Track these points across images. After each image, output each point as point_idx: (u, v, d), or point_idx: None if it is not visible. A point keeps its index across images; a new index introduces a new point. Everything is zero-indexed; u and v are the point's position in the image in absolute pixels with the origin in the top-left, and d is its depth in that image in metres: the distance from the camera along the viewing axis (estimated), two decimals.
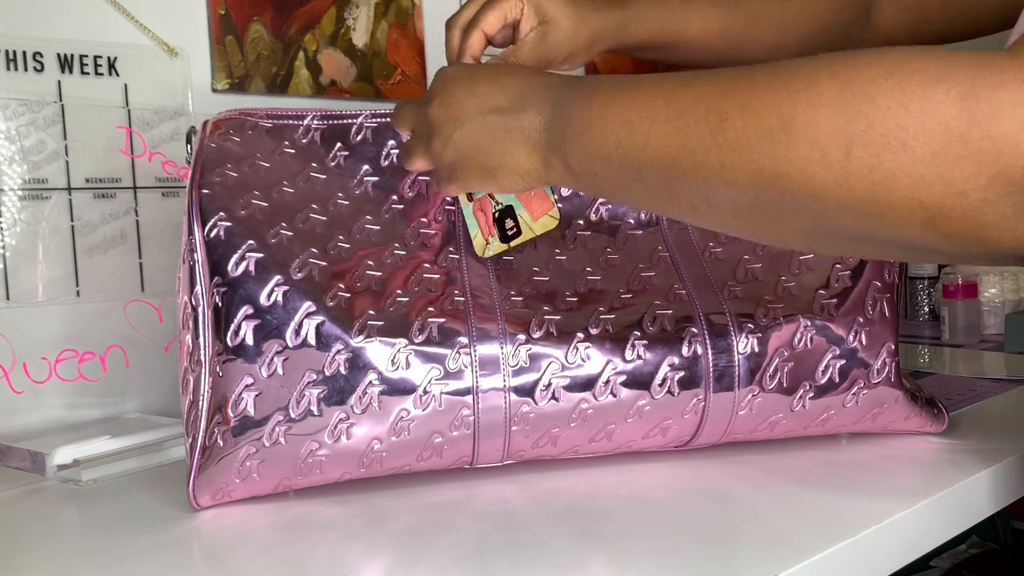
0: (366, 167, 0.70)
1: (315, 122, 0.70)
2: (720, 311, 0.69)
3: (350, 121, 0.71)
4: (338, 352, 0.62)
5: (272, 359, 0.61)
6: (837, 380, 0.70)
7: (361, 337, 0.62)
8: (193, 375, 0.63)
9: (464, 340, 0.64)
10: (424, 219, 0.69)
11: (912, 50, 0.41)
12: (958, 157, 0.39)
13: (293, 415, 0.61)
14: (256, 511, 0.63)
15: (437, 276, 0.67)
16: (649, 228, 0.74)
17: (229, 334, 0.61)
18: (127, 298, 0.93)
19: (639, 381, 0.67)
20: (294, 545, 0.57)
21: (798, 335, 0.69)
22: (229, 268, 0.62)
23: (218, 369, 0.61)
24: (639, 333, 0.67)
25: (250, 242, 0.63)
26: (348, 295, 0.63)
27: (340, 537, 0.58)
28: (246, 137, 0.68)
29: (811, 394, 0.70)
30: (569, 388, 0.65)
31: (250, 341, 0.61)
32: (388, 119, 0.72)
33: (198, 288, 0.62)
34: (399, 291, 0.65)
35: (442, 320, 0.64)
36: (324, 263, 0.64)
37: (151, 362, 0.95)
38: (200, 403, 0.62)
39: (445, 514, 0.62)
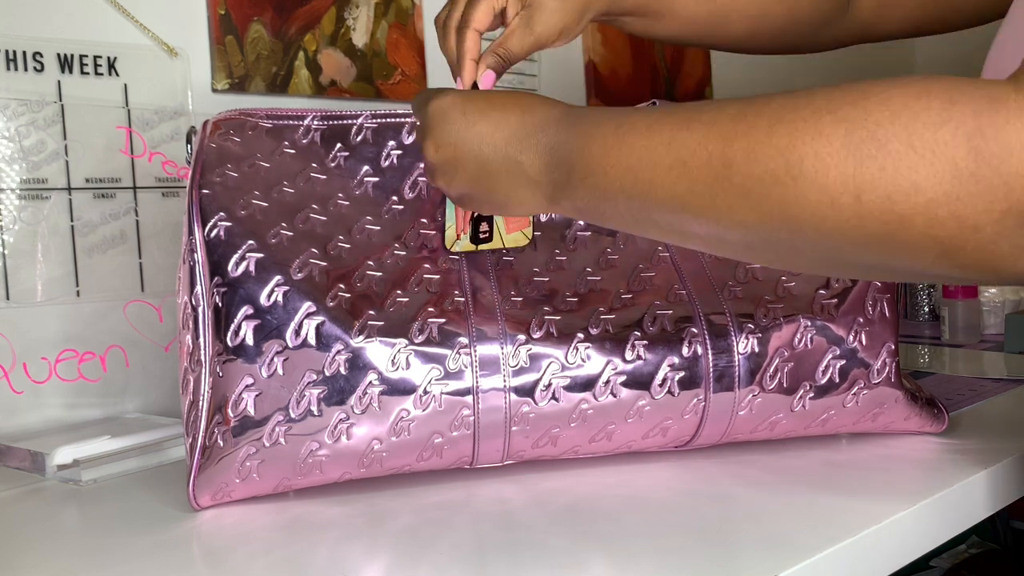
0: (366, 167, 0.70)
1: (315, 122, 0.70)
2: (720, 311, 0.69)
3: (350, 121, 0.71)
4: (338, 352, 0.62)
5: (272, 359, 0.61)
6: (837, 380, 0.70)
7: (361, 337, 0.62)
8: (193, 375, 0.63)
9: (464, 340, 0.64)
10: (424, 219, 0.69)
11: (915, 85, 0.41)
12: (970, 195, 0.39)
13: (293, 415, 0.61)
14: (256, 511, 0.63)
15: (437, 276, 0.67)
16: None
17: (229, 334, 0.61)
18: (127, 298, 0.93)
19: (639, 381, 0.67)
20: (294, 545, 0.57)
21: (798, 335, 0.69)
22: (229, 268, 0.62)
23: (218, 369, 0.61)
24: (639, 333, 0.67)
25: (250, 242, 0.63)
26: (348, 295, 0.63)
27: (340, 537, 0.58)
28: (246, 137, 0.68)
29: (811, 394, 0.70)
30: (569, 388, 0.65)
31: (250, 341, 0.61)
32: (388, 119, 0.72)
33: (198, 288, 0.62)
34: (399, 291, 0.65)
35: (442, 320, 0.64)
36: (324, 263, 0.64)
37: (151, 362, 0.95)
38: (200, 403, 0.62)
39: (445, 514, 0.62)
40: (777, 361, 0.69)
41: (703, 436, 0.70)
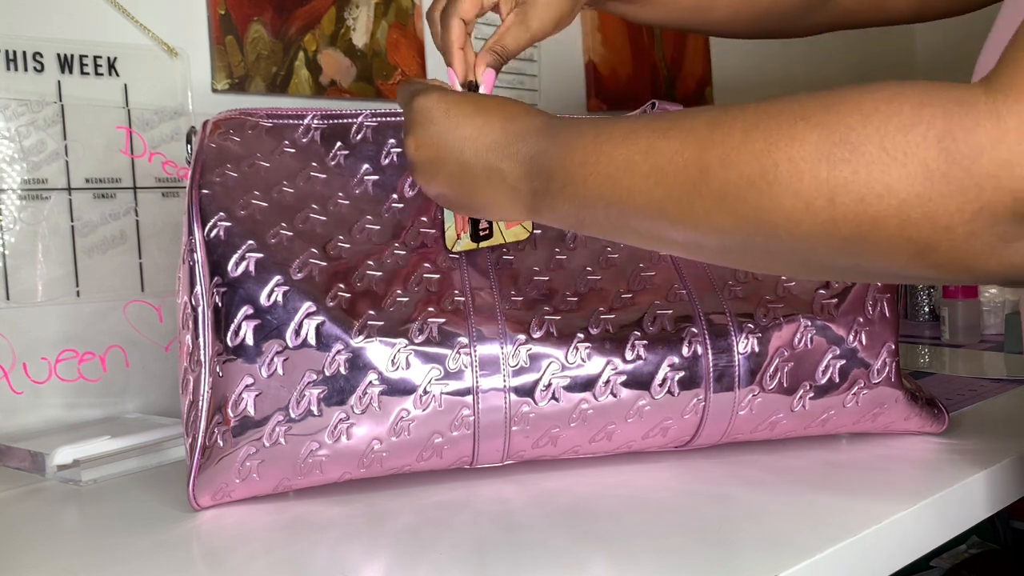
0: (366, 166, 0.70)
1: (315, 122, 0.70)
2: (720, 311, 0.69)
3: (350, 120, 0.71)
4: (338, 352, 0.62)
5: (272, 359, 0.61)
6: (837, 380, 0.70)
7: (361, 337, 0.62)
8: (193, 375, 0.63)
9: (464, 340, 0.64)
10: (424, 218, 0.69)
11: (887, 90, 0.42)
12: (941, 196, 0.40)
13: (293, 415, 0.61)
14: (256, 511, 0.63)
15: (437, 276, 0.67)
16: None
17: (229, 334, 0.61)
18: (127, 298, 0.93)
19: (639, 381, 0.67)
20: (294, 545, 0.57)
21: (798, 335, 0.69)
22: (229, 268, 0.62)
23: (218, 369, 0.61)
24: (639, 333, 0.67)
25: (250, 242, 0.63)
26: (348, 295, 0.63)
27: (340, 537, 0.58)
28: (246, 137, 0.68)
29: (811, 394, 0.70)
30: (569, 388, 0.65)
31: (250, 341, 0.61)
32: (388, 118, 0.72)
33: (198, 288, 0.62)
34: (399, 291, 0.65)
35: (442, 320, 0.64)
36: (324, 263, 0.64)
37: (151, 362, 0.95)
38: (200, 403, 0.62)
39: (445, 514, 0.62)
40: (777, 361, 0.69)
41: (703, 436, 0.70)
